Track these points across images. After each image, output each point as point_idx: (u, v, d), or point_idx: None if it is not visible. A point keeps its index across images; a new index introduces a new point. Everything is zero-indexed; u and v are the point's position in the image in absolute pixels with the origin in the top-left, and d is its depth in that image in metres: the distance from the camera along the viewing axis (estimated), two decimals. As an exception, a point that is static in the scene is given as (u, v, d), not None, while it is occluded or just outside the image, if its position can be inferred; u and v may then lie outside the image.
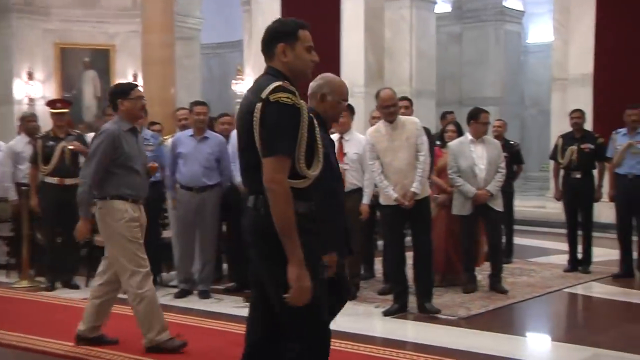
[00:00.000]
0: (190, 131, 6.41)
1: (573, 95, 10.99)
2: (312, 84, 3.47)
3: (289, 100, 2.52)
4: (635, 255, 7.15)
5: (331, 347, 2.73)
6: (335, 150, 3.73)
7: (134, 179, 4.54)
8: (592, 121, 10.39)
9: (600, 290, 6.74)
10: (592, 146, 7.40)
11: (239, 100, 14.45)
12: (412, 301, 5.65)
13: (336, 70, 10.79)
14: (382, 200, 5.65)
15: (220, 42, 21.06)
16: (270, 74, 2.69)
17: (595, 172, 7.47)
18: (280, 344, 2.72)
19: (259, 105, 2.53)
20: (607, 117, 9.41)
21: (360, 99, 11.63)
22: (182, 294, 6.26)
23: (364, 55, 12.13)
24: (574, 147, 7.41)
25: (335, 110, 3.42)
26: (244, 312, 5.59)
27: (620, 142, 7.15)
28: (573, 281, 6.96)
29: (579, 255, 7.47)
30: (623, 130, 7.21)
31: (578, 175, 7.40)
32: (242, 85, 15.63)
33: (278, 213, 2.48)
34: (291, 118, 2.53)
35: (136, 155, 4.58)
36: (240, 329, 5.15)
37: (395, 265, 5.68)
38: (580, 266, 7.41)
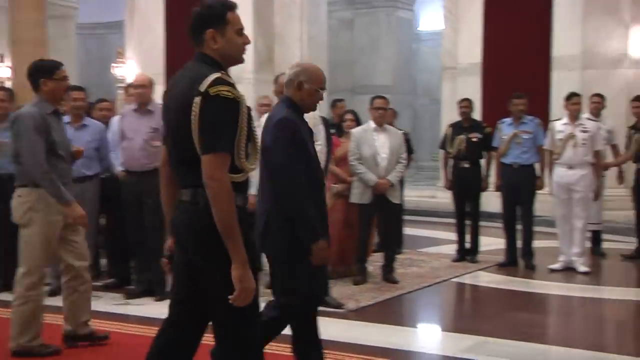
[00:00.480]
0: (66, 118, 6.21)
1: (462, 84, 11.44)
2: (289, 71, 3.52)
3: (230, 94, 2.51)
4: (519, 244, 7.56)
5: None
6: None
7: (61, 165, 4.37)
8: (481, 110, 10.88)
9: (487, 279, 7.09)
10: (480, 136, 7.72)
11: (121, 85, 14.07)
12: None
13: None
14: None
15: (99, 22, 20.42)
16: (204, 61, 2.64)
17: (483, 161, 7.81)
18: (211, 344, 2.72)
19: (197, 99, 2.49)
20: (496, 107, 9.84)
21: (249, 85, 11.62)
22: (54, 292, 6.07)
23: (253, 40, 12.04)
24: (463, 137, 7.72)
25: (313, 98, 3.46)
26: (127, 309, 5.59)
27: (505, 131, 7.52)
28: (461, 271, 7.29)
29: (467, 245, 7.82)
30: (508, 120, 7.59)
31: (466, 165, 7.71)
32: (123, 69, 15.22)
33: (220, 211, 2.47)
34: (232, 112, 2.52)
35: (61, 140, 4.42)
36: (122, 327, 5.11)
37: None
38: (468, 256, 7.76)
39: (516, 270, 7.39)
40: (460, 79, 11.68)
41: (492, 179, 7.80)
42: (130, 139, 5.98)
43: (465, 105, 7.92)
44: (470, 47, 11.50)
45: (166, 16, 13.21)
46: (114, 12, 18.34)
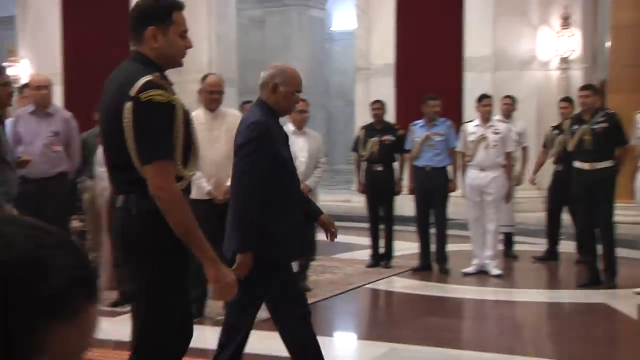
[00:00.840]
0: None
1: (376, 85, 11.58)
2: (263, 74, 3.46)
3: (162, 98, 2.44)
4: (433, 247, 7.70)
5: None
6: None
7: (8, 174, 4.16)
8: (395, 112, 11.05)
9: (401, 284, 7.19)
10: (392, 138, 7.83)
11: (15, 85, 13.53)
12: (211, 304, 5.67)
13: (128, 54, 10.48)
14: (195, 194, 5.60)
15: (-12, 17, 19.61)
16: (139, 61, 2.56)
17: (396, 164, 7.92)
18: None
19: (128, 105, 2.42)
20: (410, 108, 10.02)
21: (154, 86, 11.39)
22: None
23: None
24: (375, 139, 7.81)
25: (288, 101, 3.42)
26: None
27: (418, 134, 7.65)
28: (375, 276, 7.36)
29: (382, 250, 7.91)
30: (420, 122, 7.72)
31: (379, 168, 7.80)
32: (15, 69, 14.66)
33: (177, 221, 2.45)
34: (166, 117, 2.45)
35: (5, 147, 4.20)
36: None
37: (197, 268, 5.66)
38: (382, 261, 7.85)
39: (430, 275, 7.52)
40: (373, 80, 11.82)
41: (406, 182, 7.92)
42: (28, 144, 5.78)
43: (378, 107, 8.01)
44: (383, 48, 11.66)
45: (63, 10, 12.79)
46: (4, 7, 17.66)
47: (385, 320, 6.21)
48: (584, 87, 7.02)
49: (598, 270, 6.68)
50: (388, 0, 11.59)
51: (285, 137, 3.51)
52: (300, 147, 6.51)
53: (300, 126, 6.56)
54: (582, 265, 7.13)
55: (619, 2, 9.71)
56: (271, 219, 3.36)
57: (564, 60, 11.05)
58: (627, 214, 7.23)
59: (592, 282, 6.67)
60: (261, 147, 3.31)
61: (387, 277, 7.38)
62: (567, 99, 8.31)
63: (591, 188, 6.60)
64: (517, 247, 8.59)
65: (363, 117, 10.82)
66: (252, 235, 3.32)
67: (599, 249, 6.69)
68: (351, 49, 16.24)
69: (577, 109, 7.18)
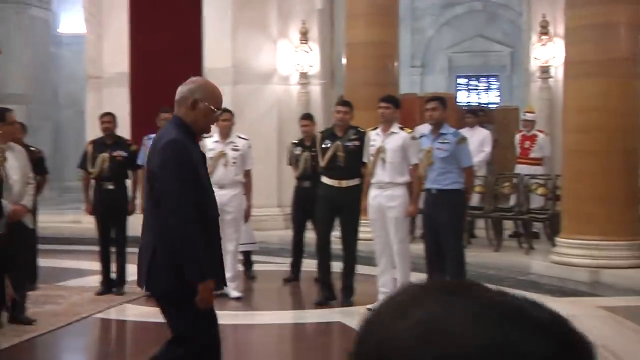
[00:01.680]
0: None
1: (109, 95, 11.30)
2: (182, 88, 3.36)
3: None
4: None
5: None
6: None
7: None
8: (130, 125, 10.81)
9: (135, 312, 7.01)
10: (124, 154, 7.65)
11: None
12: None
13: None
14: None
15: None
16: None
17: (129, 182, 7.75)
18: None
19: None
20: (146, 121, 9.85)
21: None
22: None
23: None
24: (106, 155, 7.57)
25: (208, 119, 3.35)
26: None
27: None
28: (105, 305, 7.11)
29: (113, 275, 7.66)
30: (153, 136, 7.60)
31: (111, 186, 7.58)
32: None
33: None
34: None
35: None
36: None
37: None
38: (114, 287, 7.60)
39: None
40: (106, 89, 11.51)
41: (139, 200, 7.75)
42: None
43: (108, 120, 7.79)
44: (116, 56, 11.39)
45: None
46: None
47: (117, 353, 6.00)
48: (343, 103, 7.36)
49: (332, 288, 7.01)
50: (120, 5, 11.32)
51: (202, 156, 3.47)
52: (10, 166, 6.10)
53: (5, 140, 6.15)
54: (319, 283, 7.44)
55: (352, 20, 10.34)
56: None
57: (304, 75, 11.55)
58: (364, 231, 7.65)
59: (327, 300, 6.99)
60: (182, 167, 3.25)
61: (118, 305, 7.16)
62: (308, 116, 8.64)
63: (338, 205, 6.92)
64: (259, 267, 8.75)
65: (95, 129, 10.42)
66: (205, 260, 3.26)
67: (336, 266, 7.03)
68: (82, 55, 15.66)
69: (322, 126, 7.47)
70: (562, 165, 8.52)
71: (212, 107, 3.43)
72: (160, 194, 3.32)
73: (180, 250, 3.26)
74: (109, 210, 7.58)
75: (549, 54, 11.54)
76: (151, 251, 3.35)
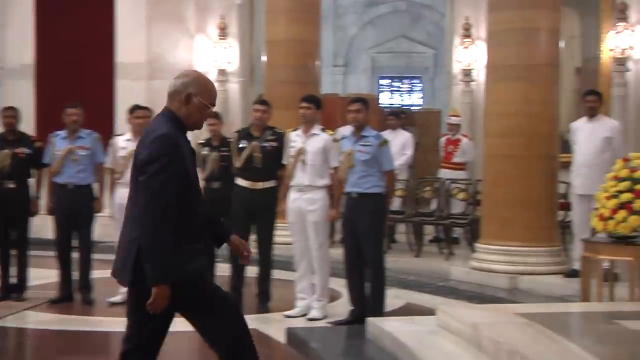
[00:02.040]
0: None
1: (12, 88, 11.05)
2: (175, 81, 3.34)
3: None
4: (76, 275, 7.40)
5: None
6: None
7: None
8: (35, 120, 10.52)
9: (36, 319, 6.82)
10: (28, 151, 7.44)
11: None
12: None
13: None
14: None
15: None
16: None
17: (32, 180, 7.54)
18: None
19: None
20: (52, 116, 9.57)
21: None
22: None
23: None
24: (7, 152, 7.37)
25: (201, 114, 3.34)
26: None
27: (59, 146, 7.33)
28: (4, 312, 6.87)
29: (13, 280, 7.43)
30: (62, 133, 7.41)
31: (12, 185, 7.38)
32: None
33: None
34: None
35: None
36: None
37: None
38: (13, 293, 7.38)
39: (71, 307, 7.22)
40: (8, 82, 11.21)
41: (44, 200, 7.54)
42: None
43: (10, 114, 7.57)
44: (20, 46, 11.09)
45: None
46: None
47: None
48: (261, 102, 7.30)
49: (242, 296, 6.95)
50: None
51: (193, 154, 3.38)
52: None
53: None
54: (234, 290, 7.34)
55: (273, 16, 10.30)
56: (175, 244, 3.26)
57: (222, 72, 11.44)
58: (281, 234, 7.61)
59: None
60: (171, 163, 3.18)
61: (18, 312, 6.94)
62: (216, 115, 8.45)
63: (253, 208, 6.86)
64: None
65: (-3, 124, 10.14)
66: (168, 264, 3.20)
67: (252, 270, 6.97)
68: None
69: (241, 125, 7.36)
70: (483, 169, 8.68)
71: (206, 103, 3.40)
72: (145, 189, 3.26)
73: (145, 246, 3.23)
74: (9, 209, 7.36)
75: (471, 57, 11.77)
76: (135, 247, 3.28)
